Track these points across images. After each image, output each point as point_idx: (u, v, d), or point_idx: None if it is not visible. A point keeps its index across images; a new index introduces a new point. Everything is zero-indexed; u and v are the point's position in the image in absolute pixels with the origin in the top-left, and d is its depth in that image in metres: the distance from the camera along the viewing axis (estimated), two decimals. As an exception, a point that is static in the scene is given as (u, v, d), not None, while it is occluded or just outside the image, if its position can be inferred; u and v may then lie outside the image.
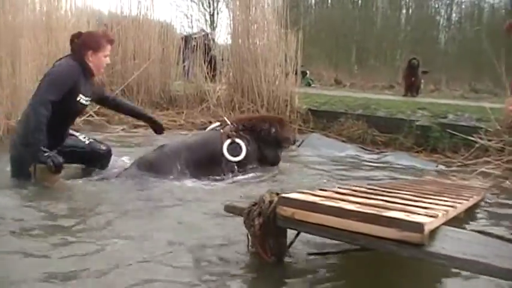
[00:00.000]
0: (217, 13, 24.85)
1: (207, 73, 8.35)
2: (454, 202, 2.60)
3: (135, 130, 6.91)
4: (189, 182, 3.93)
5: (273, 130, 4.67)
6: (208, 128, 4.79)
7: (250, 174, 4.33)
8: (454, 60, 21.58)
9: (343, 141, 6.64)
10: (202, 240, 2.64)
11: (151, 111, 7.44)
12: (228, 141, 4.35)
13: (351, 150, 6.09)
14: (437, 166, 5.39)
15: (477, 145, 5.46)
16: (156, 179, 3.89)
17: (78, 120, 5.14)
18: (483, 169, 4.96)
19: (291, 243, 2.42)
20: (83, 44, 3.90)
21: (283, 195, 2.26)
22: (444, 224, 2.14)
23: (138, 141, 6.05)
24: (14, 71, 5.81)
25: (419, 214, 2.01)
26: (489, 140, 5.43)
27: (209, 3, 25.23)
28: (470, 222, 3.18)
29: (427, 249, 1.88)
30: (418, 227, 1.86)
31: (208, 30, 13.29)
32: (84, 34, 4.01)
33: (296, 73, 7.70)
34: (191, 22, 22.51)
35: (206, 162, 4.19)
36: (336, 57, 23.24)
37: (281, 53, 7.54)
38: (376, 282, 2.31)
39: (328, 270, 2.35)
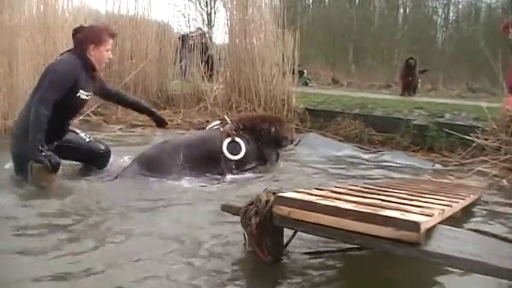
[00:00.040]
0: (215, 12, 24.86)
1: (204, 72, 8.35)
2: (450, 201, 2.60)
3: (132, 130, 6.93)
4: (187, 181, 3.93)
5: (273, 129, 4.69)
6: (209, 127, 4.80)
7: (248, 174, 4.34)
8: (451, 59, 21.62)
9: (340, 140, 6.64)
10: (199, 239, 2.64)
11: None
12: (228, 139, 4.37)
13: (347, 150, 6.09)
14: (434, 165, 5.39)
15: (474, 144, 5.46)
16: (156, 178, 3.90)
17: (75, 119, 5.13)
18: (480, 168, 4.96)
19: (288, 242, 2.42)
20: (85, 38, 3.88)
21: (280, 194, 2.27)
22: (440, 223, 2.14)
23: (135, 140, 6.05)
24: (11, 70, 5.81)
25: (415, 213, 2.01)
26: (486, 139, 5.43)
27: (206, 2, 25.26)
28: (467, 221, 3.18)
29: (423, 248, 1.88)
30: (414, 226, 1.86)
31: (206, 29, 13.25)
32: (86, 28, 4.00)
33: (293, 72, 7.70)
34: (188, 21, 22.52)
35: (205, 160, 4.21)
36: (333, 57, 23.29)
37: (278, 53, 7.54)
38: (372, 281, 2.32)
39: (325, 269, 2.36)
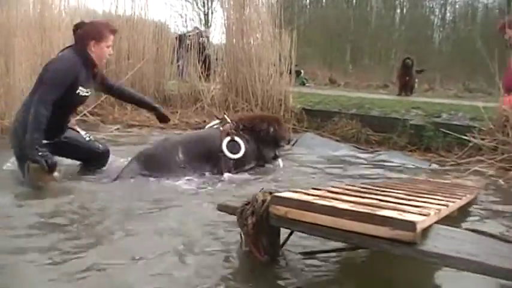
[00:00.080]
0: (212, 12, 24.88)
1: (201, 72, 8.34)
2: (447, 201, 2.61)
3: (129, 130, 6.92)
4: (185, 181, 3.93)
5: (271, 130, 4.72)
6: (208, 126, 4.81)
7: (245, 173, 4.35)
8: (448, 59, 21.66)
9: (337, 140, 6.64)
10: (195, 239, 2.65)
11: (145, 110, 7.45)
12: (228, 138, 4.38)
13: (344, 150, 6.09)
14: (430, 165, 5.39)
15: (470, 144, 5.46)
16: (154, 178, 3.91)
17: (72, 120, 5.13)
18: (476, 168, 4.97)
19: (284, 242, 2.42)
20: (86, 34, 3.87)
21: (276, 194, 2.27)
22: (437, 222, 2.14)
23: (132, 140, 6.04)
24: (8, 70, 5.81)
25: (411, 213, 2.01)
26: (482, 139, 5.43)
27: (203, 2, 25.28)
28: (464, 221, 3.19)
29: (420, 248, 1.88)
30: (411, 225, 1.86)
31: (203, 29, 13.24)
32: (87, 24, 3.98)
33: (290, 72, 7.69)
34: (185, 21, 22.52)
35: (205, 158, 4.23)
36: (330, 57, 23.31)
37: (275, 53, 7.53)
38: (369, 281, 2.32)
39: (321, 269, 2.36)
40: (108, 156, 4.29)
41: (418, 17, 24.69)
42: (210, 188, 3.86)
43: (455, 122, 6.15)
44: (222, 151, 4.30)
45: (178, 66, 9.44)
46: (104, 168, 4.23)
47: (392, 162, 5.42)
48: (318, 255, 2.48)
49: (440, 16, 25.56)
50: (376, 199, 2.31)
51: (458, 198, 2.91)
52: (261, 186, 2.71)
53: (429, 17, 25.46)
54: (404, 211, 2.03)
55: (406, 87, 10.99)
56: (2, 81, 5.76)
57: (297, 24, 9.25)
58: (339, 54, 23.98)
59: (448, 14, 25.66)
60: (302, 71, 15.36)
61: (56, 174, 3.66)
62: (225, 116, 4.76)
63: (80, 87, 3.80)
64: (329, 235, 2.13)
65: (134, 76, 8.05)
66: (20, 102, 4.15)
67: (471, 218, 3.36)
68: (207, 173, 4.17)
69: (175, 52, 8.94)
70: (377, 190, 2.68)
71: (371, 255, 2.47)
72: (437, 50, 24.00)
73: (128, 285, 2.11)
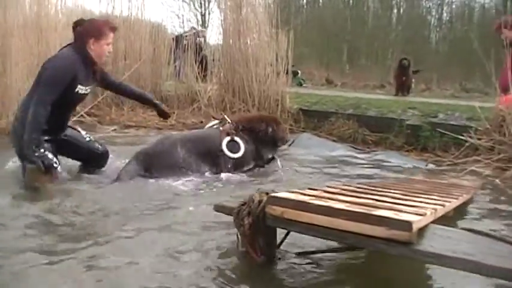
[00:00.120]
0: (209, 13, 24.88)
1: (198, 73, 8.32)
2: (443, 200, 2.61)
3: (126, 130, 6.92)
4: (183, 182, 3.93)
5: (270, 130, 4.73)
6: (207, 126, 4.82)
7: (243, 174, 4.35)
8: (445, 59, 21.69)
9: (333, 140, 6.63)
10: (192, 240, 2.65)
11: (142, 111, 7.47)
12: (227, 138, 4.39)
13: (341, 150, 6.09)
14: (427, 165, 5.39)
15: (467, 144, 5.46)
16: (153, 179, 3.91)
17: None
18: (473, 168, 4.97)
19: (281, 242, 2.42)
20: (85, 31, 3.85)
21: (273, 194, 2.27)
22: (433, 222, 2.15)
23: (129, 141, 6.04)
24: (5, 70, 5.80)
25: (407, 212, 2.01)
26: (479, 139, 5.44)
27: (200, 3, 25.29)
28: (460, 221, 3.19)
29: (416, 248, 1.89)
30: (406, 225, 1.86)
31: (199, 29, 13.23)
32: (87, 22, 3.96)
33: (287, 73, 7.69)
34: (182, 22, 22.53)
35: (204, 157, 4.23)
36: (327, 57, 23.34)
37: (272, 53, 7.52)
38: (366, 281, 2.32)
39: (318, 269, 2.36)
40: (108, 157, 4.29)
41: (414, 17, 24.73)
42: (208, 188, 3.86)
43: (452, 122, 6.15)
44: (221, 150, 4.31)
45: (175, 66, 9.43)
46: (103, 169, 4.22)
47: (389, 162, 5.43)
48: (314, 255, 2.49)
49: (437, 16, 25.62)
50: (373, 199, 2.31)
51: (454, 198, 2.92)
52: (258, 186, 2.71)
53: (426, 17, 25.50)
54: (400, 211, 2.04)
55: (403, 88, 11.02)
56: (-1, 82, 5.77)
57: (294, 24, 9.25)
58: (336, 54, 24.00)
59: (444, 14, 25.72)
60: (299, 72, 15.36)
61: (59, 173, 3.66)
62: (225, 116, 4.77)
63: (79, 86, 3.79)
64: (325, 235, 2.13)
65: (131, 77, 8.02)
66: (16, 102, 4.15)
67: (467, 218, 3.36)
68: (206, 173, 4.18)
69: (172, 53, 8.93)
70: (373, 190, 2.68)
71: (368, 255, 2.47)
72: (434, 50, 24.05)
73: (126, 285, 2.11)
